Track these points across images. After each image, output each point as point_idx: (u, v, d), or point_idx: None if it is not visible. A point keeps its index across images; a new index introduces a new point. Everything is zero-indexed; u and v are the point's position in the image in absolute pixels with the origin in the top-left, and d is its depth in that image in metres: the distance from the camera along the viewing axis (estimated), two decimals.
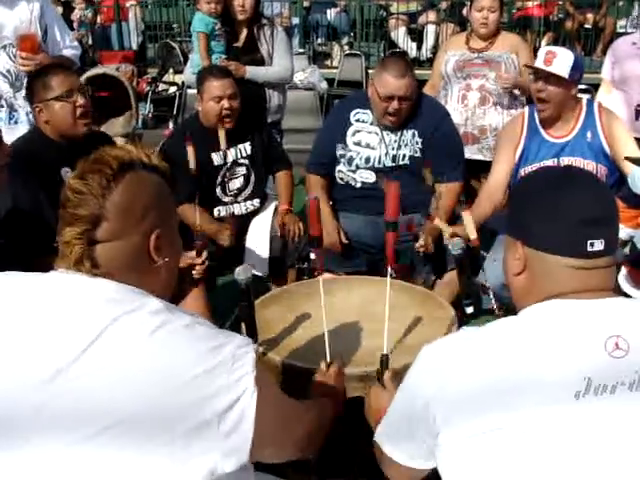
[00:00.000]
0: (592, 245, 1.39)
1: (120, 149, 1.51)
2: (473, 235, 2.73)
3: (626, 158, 3.21)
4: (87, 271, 1.41)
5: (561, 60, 3.39)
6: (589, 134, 3.50)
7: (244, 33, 4.78)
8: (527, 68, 4.00)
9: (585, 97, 3.74)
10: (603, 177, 3.44)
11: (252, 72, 4.67)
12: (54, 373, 1.30)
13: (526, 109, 3.76)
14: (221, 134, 3.62)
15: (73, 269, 1.41)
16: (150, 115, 9.25)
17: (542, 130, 3.59)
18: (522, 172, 3.59)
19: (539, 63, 3.45)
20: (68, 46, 4.09)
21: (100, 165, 1.44)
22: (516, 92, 4.58)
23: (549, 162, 3.52)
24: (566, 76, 3.38)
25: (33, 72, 3.37)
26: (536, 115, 3.60)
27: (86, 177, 1.43)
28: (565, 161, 3.49)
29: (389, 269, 2.28)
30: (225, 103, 3.59)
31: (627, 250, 3.25)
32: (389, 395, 1.87)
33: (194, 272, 3.01)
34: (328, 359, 2.17)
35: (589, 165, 3.46)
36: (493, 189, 3.64)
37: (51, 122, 3.08)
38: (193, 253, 3.05)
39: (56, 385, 1.30)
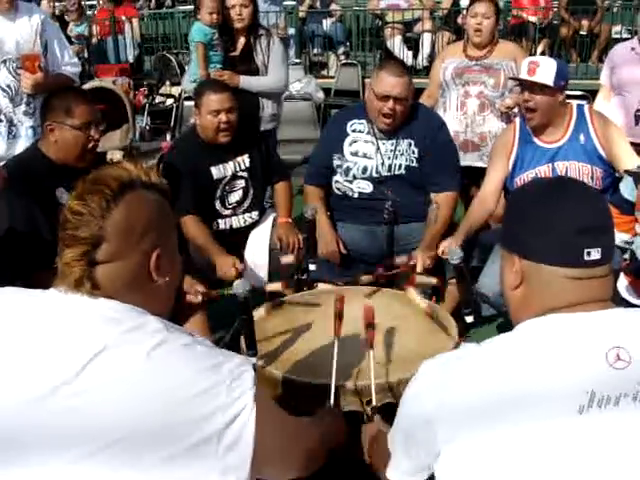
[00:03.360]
0: (589, 254, 1.38)
1: (119, 168, 1.50)
2: (423, 304, 2.79)
3: (626, 171, 3.21)
4: (87, 292, 1.40)
5: (544, 69, 3.40)
6: (582, 137, 3.50)
7: (241, 42, 4.85)
8: (513, 80, 4.02)
9: (576, 102, 3.74)
10: (599, 179, 3.45)
11: (246, 81, 4.74)
12: (52, 391, 1.31)
13: (517, 119, 3.77)
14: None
15: (73, 290, 1.41)
16: (147, 127, 9.27)
17: (534, 137, 3.59)
18: (517, 180, 3.59)
19: (523, 74, 3.46)
20: (68, 63, 4.12)
21: (99, 186, 1.44)
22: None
23: (544, 167, 3.53)
24: (551, 84, 3.39)
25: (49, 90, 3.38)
26: (526, 123, 3.61)
27: (85, 198, 1.42)
28: (560, 165, 3.50)
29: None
30: (223, 117, 3.59)
31: (626, 256, 3.25)
32: (376, 425, 1.96)
33: (188, 297, 3.02)
34: (332, 402, 2.15)
35: (584, 168, 3.46)
36: (486, 197, 3.64)
37: (59, 145, 3.07)
38: (199, 288, 3.05)
39: (55, 403, 1.30)
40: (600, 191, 3.40)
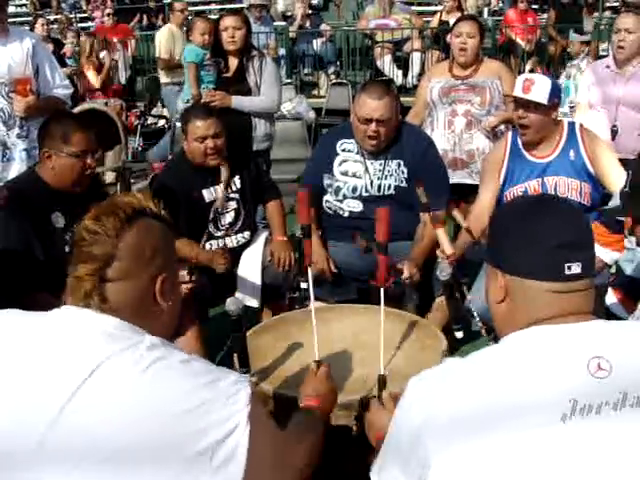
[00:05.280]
0: (569, 268, 1.43)
1: (131, 197, 1.60)
2: (449, 250, 2.78)
3: (602, 212, 3.24)
4: (95, 306, 1.47)
5: (539, 87, 3.45)
6: (572, 153, 3.54)
7: (234, 63, 4.90)
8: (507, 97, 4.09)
9: (567, 120, 3.80)
10: (587, 195, 3.49)
11: (238, 102, 4.80)
12: (53, 408, 1.34)
13: (509, 133, 3.82)
14: (223, 171, 3.67)
15: (82, 302, 1.48)
16: (139, 149, 9.31)
17: (525, 152, 3.64)
18: (507, 193, 3.63)
19: (518, 91, 3.50)
20: (59, 85, 4.15)
21: (114, 209, 1.53)
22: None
23: (533, 182, 3.57)
24: (545, 102, 3.44)
25: (50, 116, 3.37)
26: (519, 138, 3.66)
27: (101, 219, 1.51)
28: (549, 180, 3.54)
29: (382, 290, 2.29)
30: (209, 143, 3.62)
31: (613, 270, 3.29)
32: (388, 414, 1.89)
33: (181, 288, 3.03)
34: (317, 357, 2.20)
35: (573, 183, 3.50)
36: (479, 212, 3.68)
37: (55, 172, 3.08)
38: (184, 272, 3.08)
39: (55, 420, 1.34)
40: (589, 207, 3.45)
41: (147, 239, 1.54)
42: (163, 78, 8.31)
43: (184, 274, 3.10)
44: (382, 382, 2.16)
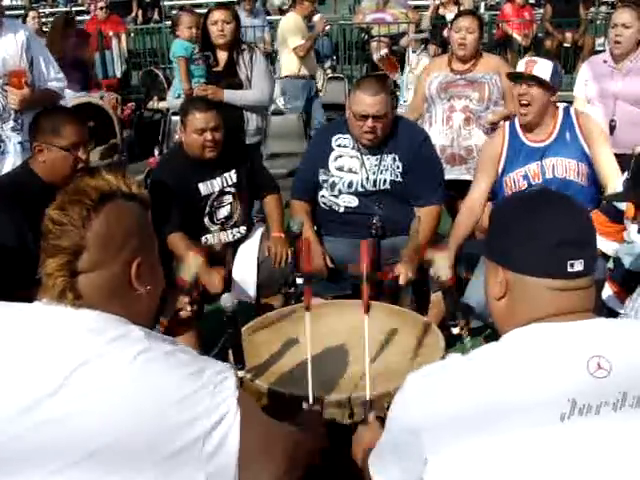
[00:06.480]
0: (572, 266, 1.41)
1: (99, 179, 1.52)
2: (444, 277, 2.75)
3: (604, 197, 3.25)
4: (70, 302, 1.42)
5: (541, 66, 3.48)
6: (568, 135, 3.57)
7: (224, 57, 4.88)
8: (509, 78, 4.07)
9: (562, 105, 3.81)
10: (585, 175, 3.51)
11: (229, 95, 4.80)
12: (35, 403, 1.32)
13: (506, 123, 3.82)
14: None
15: (56, 301, 1.42)
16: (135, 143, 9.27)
17: (523, 137, 3.65)
18: (507, 178, 3.64)
19: (520, 69, 3.54)
20: (53, 78, 4.13)
21: (80, 196, 1.46)
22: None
23: (533, 165, 3.58)
24: (547, 79, 3.45)
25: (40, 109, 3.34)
26: (517, 124, 3.67)
27: (66, 208, 1.45)
28: (547, 162, 3.56)
29: (366, 318, 2.27)
30: (208, 135, 3.60)
31: (610, 265, 3.28)
32: (371, 431, 1.91)
33: (181, 313, 3.04)
34: (310, 400, 2.18)
35: (571, 164, 3.52)
36: (472, 204, 3.68)
37: (47, 165, 3.05)
38: (187, 299, 3.08)
39: (38, 414, 1.32)
40: (587, 187, 3.48)
41: (117, 224, 1.47)
42: (285, 71, 7.89)
43: (186, 302, 3.09)
44: (369, 406, 2.14)
